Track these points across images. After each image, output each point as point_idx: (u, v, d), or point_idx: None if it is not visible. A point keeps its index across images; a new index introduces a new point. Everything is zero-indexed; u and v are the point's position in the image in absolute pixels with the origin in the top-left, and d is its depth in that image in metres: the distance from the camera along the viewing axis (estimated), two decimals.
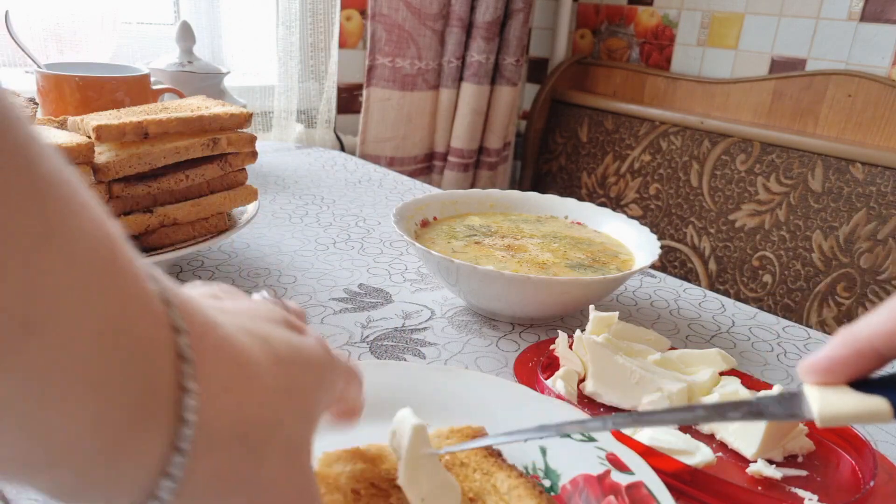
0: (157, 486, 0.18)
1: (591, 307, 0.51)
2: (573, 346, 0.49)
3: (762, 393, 0.27)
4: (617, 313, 0.51)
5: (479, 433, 0.37)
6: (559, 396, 0.44)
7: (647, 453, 0.38)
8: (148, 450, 0.17)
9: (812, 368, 0.25)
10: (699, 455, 0.39)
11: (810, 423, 0.43)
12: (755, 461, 0.41)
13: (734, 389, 0.45)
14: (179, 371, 0.17)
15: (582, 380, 0.48)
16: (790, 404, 0.25)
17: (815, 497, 0.38)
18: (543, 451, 0.38)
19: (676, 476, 0.38)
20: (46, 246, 0.14)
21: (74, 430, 0.15)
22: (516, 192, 0.73)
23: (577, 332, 0.49)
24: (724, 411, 0.27)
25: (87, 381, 0.15)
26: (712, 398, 0.45)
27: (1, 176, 0.13)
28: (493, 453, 0.36)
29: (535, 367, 0.49)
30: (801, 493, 0.39)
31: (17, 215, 0.13)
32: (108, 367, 0.16)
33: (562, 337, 0.50)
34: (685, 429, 0.44)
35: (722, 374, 0.47)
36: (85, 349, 0.15)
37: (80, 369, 0.15)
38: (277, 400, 0.21)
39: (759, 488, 0.39)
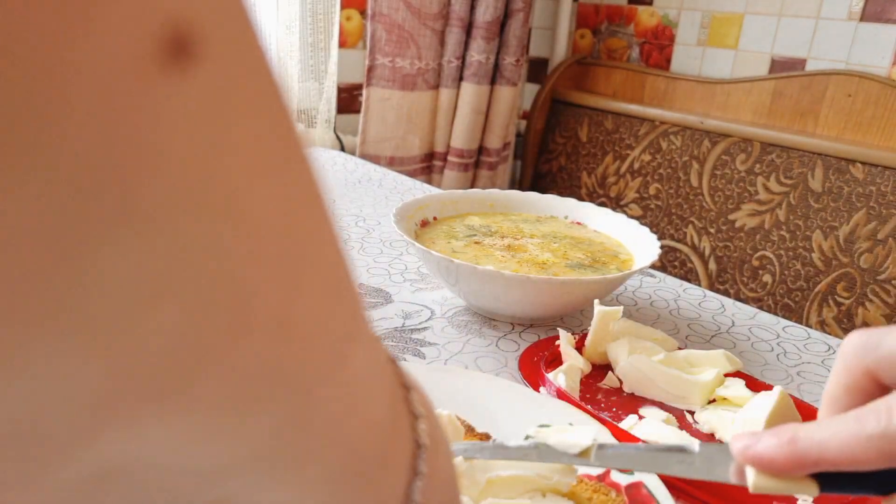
0: None
1: (596, 302, 0.51)
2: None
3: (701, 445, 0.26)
4: (621, 308, 0.50)
5: (482, 439, 0.37)
6: (559, 389, 0.44)
7: None
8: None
9: (750, 459, 0.23)
10: None
11: None
12: None
13: (736, 392, 0.45)
14: (415, 428, 0.18)
15: (585, 376, 0.48)
16: (718, 465, 0.25)
17: (810, 499, 0.38)
18: None
19: None
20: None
21: None
22: (516, 192, 0.73)
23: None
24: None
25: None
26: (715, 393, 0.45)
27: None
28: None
29: (539, 360, 0.49)
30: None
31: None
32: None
33: (564, 335, 0.50)
34: (683, 426, 0.44)
35: (727, 375, 0.47)
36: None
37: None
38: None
39: None
